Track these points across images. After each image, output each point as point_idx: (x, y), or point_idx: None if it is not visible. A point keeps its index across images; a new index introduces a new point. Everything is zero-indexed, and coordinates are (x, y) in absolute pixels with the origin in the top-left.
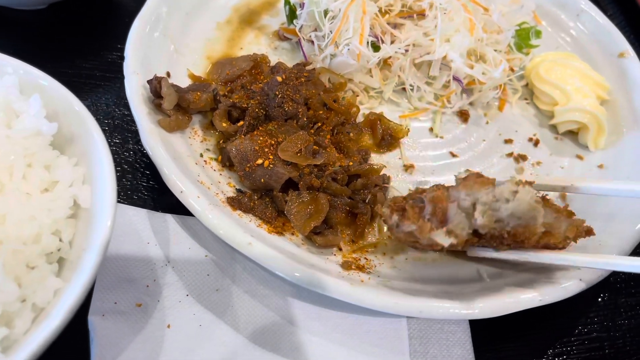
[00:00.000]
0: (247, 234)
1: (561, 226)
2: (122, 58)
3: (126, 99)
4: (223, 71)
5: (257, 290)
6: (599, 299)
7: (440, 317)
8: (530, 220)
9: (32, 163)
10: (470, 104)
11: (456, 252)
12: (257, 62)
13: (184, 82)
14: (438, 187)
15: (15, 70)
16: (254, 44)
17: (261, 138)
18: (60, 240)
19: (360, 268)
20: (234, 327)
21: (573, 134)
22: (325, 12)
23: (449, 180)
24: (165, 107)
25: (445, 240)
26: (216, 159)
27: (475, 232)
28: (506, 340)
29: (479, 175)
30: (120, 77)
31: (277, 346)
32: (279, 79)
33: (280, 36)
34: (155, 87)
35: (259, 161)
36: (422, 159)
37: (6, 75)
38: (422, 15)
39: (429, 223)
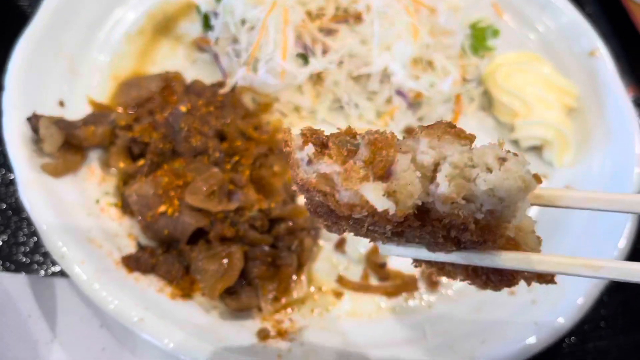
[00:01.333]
0: (139, 306)
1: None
2: None
3: None
4: (129, 94)
5: None
6: None
7: None
8: (511, 205)
9: None
10: (419, 119)
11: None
12: (168, 82)
13: (84, 110)
14: (382, 132)
15: None
16: (170, 58)
17: (166, 179)
18: None
19: (282, 334)
20: None
21: (537, 149)
22: (243, 22)
23: None
24: (46, 151)
25: (379, 202)
26: (116, 205)
27: (422, 211)
28: None
29: (450, 125)
30: None
31: None
32: (183, 108)
33: (199, 46)
34: (35, 126)
35: (162, 208)
36: None
37: None
38: (359, 19)
39: (361, 169)
